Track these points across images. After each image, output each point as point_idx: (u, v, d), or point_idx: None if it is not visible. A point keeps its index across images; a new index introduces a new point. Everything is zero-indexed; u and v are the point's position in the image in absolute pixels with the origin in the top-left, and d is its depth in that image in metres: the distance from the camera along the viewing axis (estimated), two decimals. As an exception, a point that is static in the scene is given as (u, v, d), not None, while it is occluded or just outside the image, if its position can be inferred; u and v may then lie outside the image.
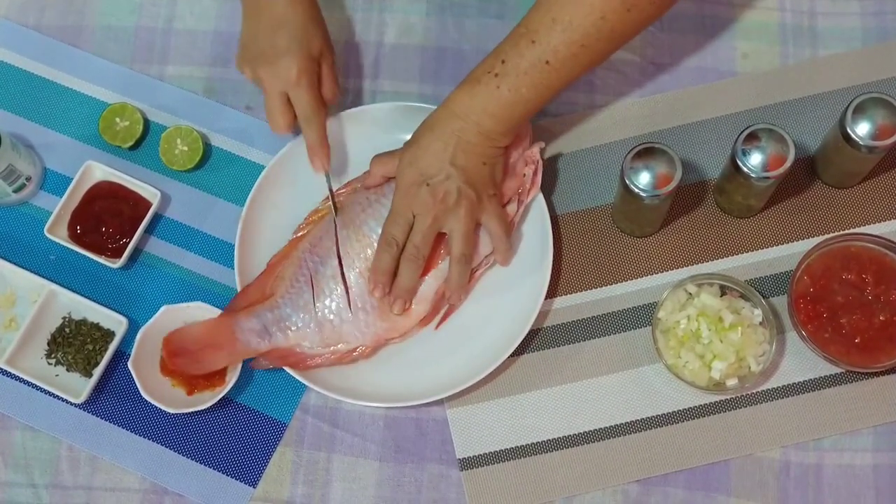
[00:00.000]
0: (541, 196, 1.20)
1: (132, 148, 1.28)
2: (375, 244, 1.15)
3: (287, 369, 1.16)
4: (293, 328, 1.16)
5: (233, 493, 1.17)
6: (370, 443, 1.18)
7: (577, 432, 1.17)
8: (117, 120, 1.26)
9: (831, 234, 1.20)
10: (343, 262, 1.16)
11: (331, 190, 1.20)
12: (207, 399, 1.16)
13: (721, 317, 1.15)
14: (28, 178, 1.24)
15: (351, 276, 1.16)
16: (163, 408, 1.15)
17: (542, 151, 1.18)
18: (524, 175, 1.18)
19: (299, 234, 1.20)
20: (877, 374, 1.18)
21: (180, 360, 1.16)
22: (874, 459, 1.16)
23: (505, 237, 1.15)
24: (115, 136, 1.26)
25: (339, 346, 1.16)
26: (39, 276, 1.22)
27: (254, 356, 1.17)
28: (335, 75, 1.19)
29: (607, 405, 1.18)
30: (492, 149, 1.12)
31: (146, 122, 1.28)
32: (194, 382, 1.18)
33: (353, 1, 1.33)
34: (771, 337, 1.15)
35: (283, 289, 1.17)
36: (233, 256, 1.20)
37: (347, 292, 1.16)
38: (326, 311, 1.16)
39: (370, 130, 1.25)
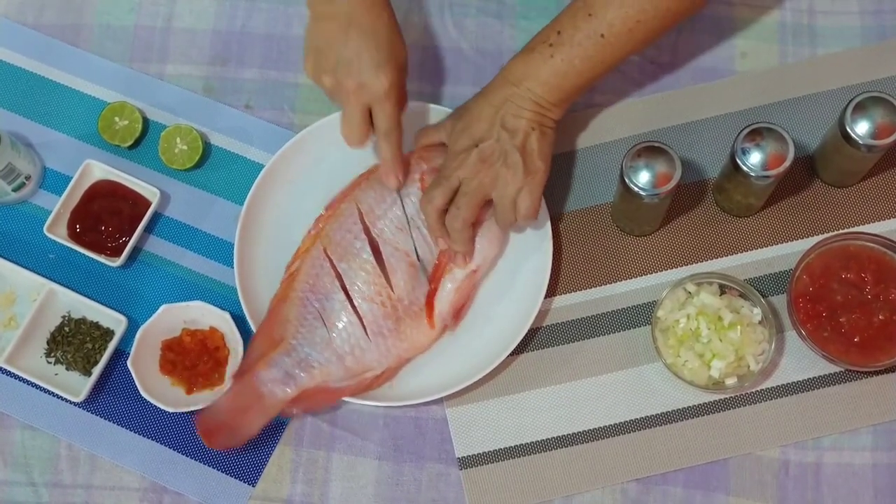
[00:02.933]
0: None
1: (131, 147, 1.28)
2: (374, 263, 1.14)
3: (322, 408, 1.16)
4: (315, 365, 1.13)
5: (232, 491, 1.17)
6: (369, 442, 1.18)
7: (576, 431, 1.17)
8: (116, 119, 1.26)
9: (830, 233, 1.20)
10: (350, 294, 1.14)
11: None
12: (206, 398, 1.16)
13: (720, 316, 1.15)
14: (27, 177, 1.24)
15: (363, 306, 1.14)
16: (162, 407, 1.15)
17: None
18: None
19: (291, 271, 1.17)
20: (876, 374, 1.18)
21: (219, 438, 1.12)
22: (873, 458, 1.16)
23: (532, 218, 1.12)
24: (115, 135, 1.26)
25: (366, 374, 1.15)
26: (39, 274, 1.22)
27: (284, 405, 1.13)
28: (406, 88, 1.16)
29: (606, 404, 1.18)
30: (542, 117, 1.11)
31: (145, 121, 1.28)
32: (193, 381, 1.18)
33: (352, 0, 1.33)
34: (770, 336, 1.15)
35: (292, 330, 1.14)
36: (232, 255, 1.20)
37: (362, 322, 1.14)
38: (344, 343, 1.14)
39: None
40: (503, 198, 1.10)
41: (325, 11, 1.09)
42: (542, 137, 1.11)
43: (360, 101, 1.09)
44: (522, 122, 1.10)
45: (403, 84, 1.12)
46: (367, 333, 1.14)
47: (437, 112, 1.23)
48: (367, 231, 1.15)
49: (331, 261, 1.15)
